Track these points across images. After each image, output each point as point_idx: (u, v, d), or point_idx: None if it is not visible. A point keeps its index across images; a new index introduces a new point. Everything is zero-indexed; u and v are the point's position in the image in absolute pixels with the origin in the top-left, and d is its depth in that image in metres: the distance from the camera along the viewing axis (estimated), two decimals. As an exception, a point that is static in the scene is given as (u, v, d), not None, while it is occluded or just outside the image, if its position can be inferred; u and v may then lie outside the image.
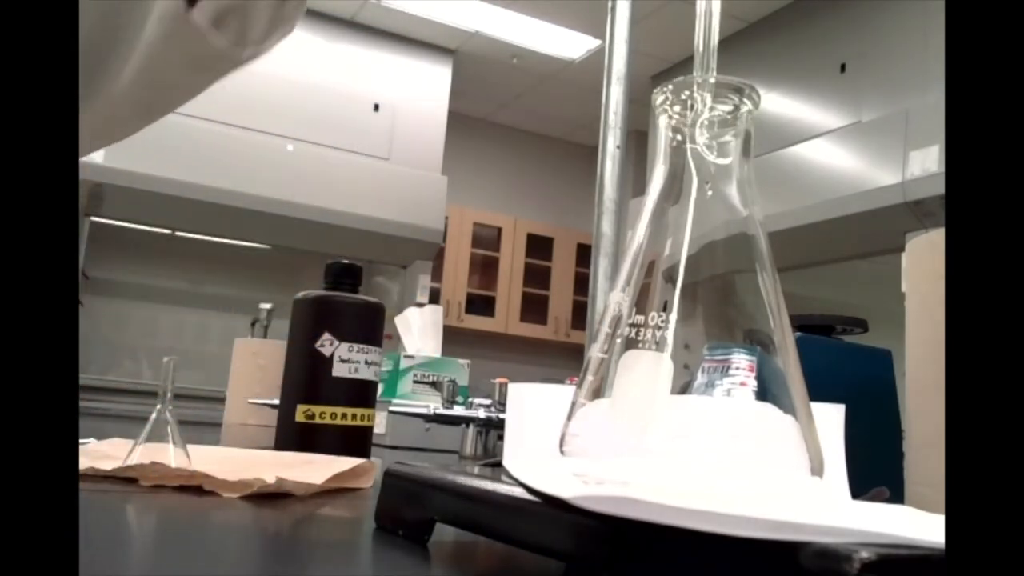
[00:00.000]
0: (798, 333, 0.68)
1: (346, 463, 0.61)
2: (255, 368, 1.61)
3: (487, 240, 4.87)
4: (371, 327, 0.88)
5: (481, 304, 4.77)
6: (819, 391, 0.39)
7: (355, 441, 0.84)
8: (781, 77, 3.30)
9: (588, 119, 4.49)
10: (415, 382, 1.53)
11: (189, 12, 0.52)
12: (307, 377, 0.84)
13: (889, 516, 0.31)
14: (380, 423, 1.25)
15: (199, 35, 0.53)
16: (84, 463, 0.54)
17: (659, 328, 0.36)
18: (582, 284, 4.75)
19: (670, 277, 0.37)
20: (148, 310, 3.92)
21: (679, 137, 0.39)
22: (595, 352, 0.39)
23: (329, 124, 3.73)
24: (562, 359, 4.85)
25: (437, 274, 4.42)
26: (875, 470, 0.49)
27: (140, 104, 0.59)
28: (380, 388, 1.05)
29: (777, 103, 3.27)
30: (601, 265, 1.15)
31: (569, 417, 0.38)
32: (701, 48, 0.40)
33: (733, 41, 3.45)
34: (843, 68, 3.09)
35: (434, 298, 4.13)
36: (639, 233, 0.39)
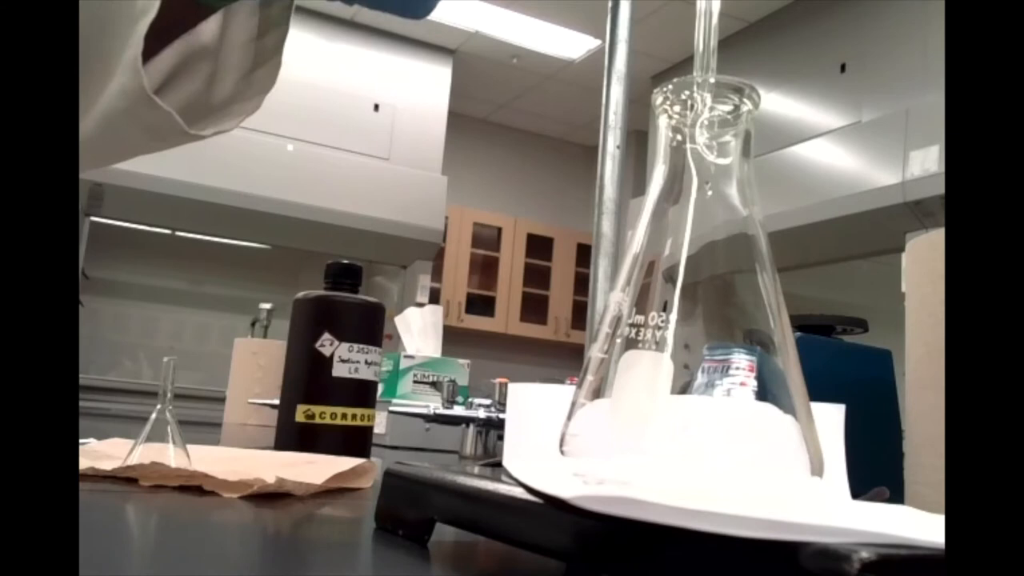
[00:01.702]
0: (798, 333, 0.68)
1: (346, 463, 0.61)
2: (255, 368, 1.61)
3: (487, 240, 4.87)
4: (371, 327, 0.88)
5: (481, 304, 4.77)
6: (819, 391, 0.39)
7: (355, 441, 0.84)
8: (781, 77, 3.30)
9: (588, 119, 4.50)
10: (415, 382, 1.53)
11: (153, 95, 0.53)
12: (307, 377, 0.84)
13: (889, 516, 0.30)
14: (380, 423, 1.25)
15: (160, 112, 0.54)
16: (84, 463, 0.54)
17: (659, 328, 0.36)
18: (582, 284, 4.75)
19: (670, 277, 0.37)
20: (148, 310, 3.92)
21: (679, 137, 0.39)
22: (595, 352, 0.39)
23: (329, 124, 3.73)
24: (562, 359, 4.85)
25: (437, 274, 4.42)
26: (875, 470, 0.49)
27: (94, 156, 0.60)
28: (380, 388, 1.05)
29: (777, 103, 3.27)
30: (601, 265, 1.15)
31: (569, 417, 0.38)
32: (701, 48, 0.40)
33: (733, 41, 3.45)
34: (843, 68, 3.09)
35: (434, 298, 4.13)
36: (639, 233, 0.39)
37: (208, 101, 0.60)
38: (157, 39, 0.55)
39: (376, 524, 0.41)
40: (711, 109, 0.39)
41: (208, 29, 0.59)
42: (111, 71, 0.53)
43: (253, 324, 1.92)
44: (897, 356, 0.72)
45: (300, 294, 0.88)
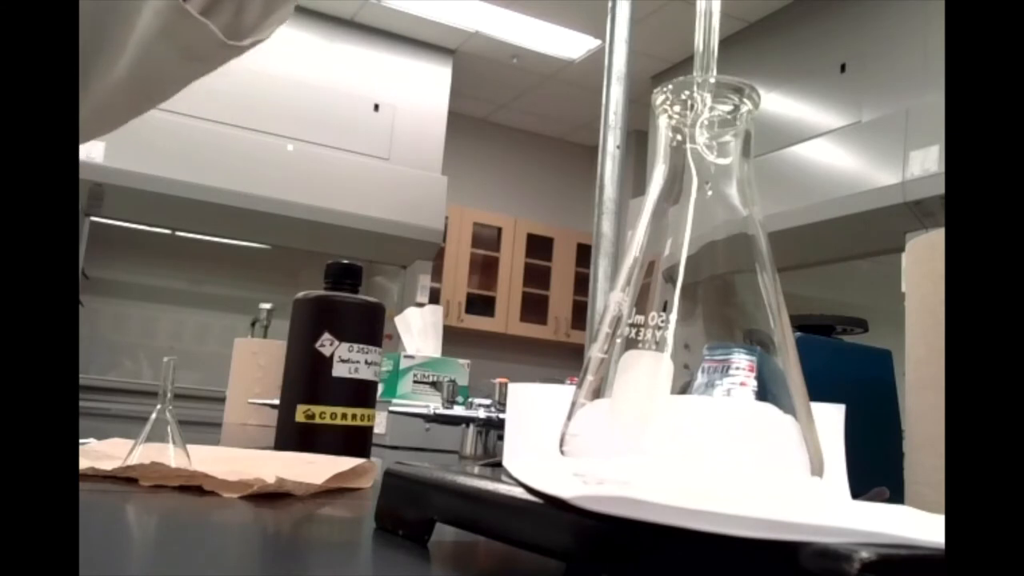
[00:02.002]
0: (798, 333, 0.68)
1: (346, 463, 0.61)
2: (255, 368, 1.61)
3: (487, 240, 4.87)
4: (371, 327, 0.88)
5: (481, 304, 4.77)
6: (819, 391, 0.39)
7: (355, 441, 0.84)
8: (781, 77, 3.30)
9: (588, 119, 4.50)
10: (415, 382, 1.53)
11: (186, 4, 0.52)
12: (307, 377, 0.84)
13: (889, 516, 0.30)
14: (380, 423, 1.25)
15: (197, 26, 0.54)
16: (84, 463, 0.54)
17: (659, 328, 0.36)
18: (582, 284, 4.75)
19: (670, 277, 0.37)
20: (148, 310, 3.92)
21: (679, 137, 0.39)
22: (595, 352, 0.39)
23: (329, 124, 3.73)
24: (562, 359, 4.85)
25: (437, 274, 4.42)
26: (875, 470, 0.49)
27: (134, 95, 0.60)
28: (380, 388, 1.05)
29: (777, 103, 3.27)
30: (601, 265, 1.15)
31: (569, 417, 0.38)
32: (701, 48, 0.40)
33: (733, 41, 3.45)
34: (843, 68, 3.09)
35: (434, 298, 4.13)
36: (639, 233, 0.39)
37: (238, 28, 0.60)
38: None
39: (376, 524, 0.41)
40: (711, 109, 0.39)
41: None
42: (141, 6, 0.53)
43: (253, 324, 1.92)
44: (897, 356, 0.72)
45: (300, 294, 0.88)
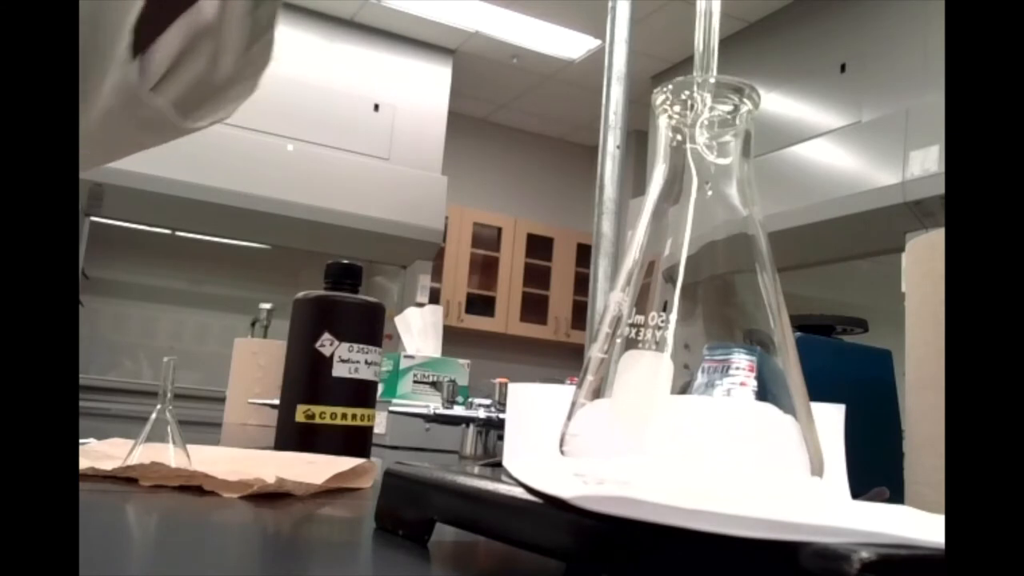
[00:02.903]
0: (798, 333, 0.68)
1: (346, 463, 0.61)
2: (255, 368, 1.61)
3: (487, 240, 4.87)
4: (371, 327, 0.88)
5: (481, 304, 4.77)
6: (819, 391, 0.39)
7: (355, 441, 0.84)
8: (781, 77, 3.30)
9: (588, 119, 4.49)
10: (415, 382, 1.53)
11: (143, 89, 0.53)
12: (307, 377, 0.84)
13: (889, 516, 0.30)
14: (380, 423, 1.25)
15: (155, 108, 0.55)
16: (84, 463, 0.54)
17: (659, 328, 0.36)
18: (582, 284, 4.75)
19: (670, 277, 0.37)
20: (148, 310, 3.92)
21: (679, 137, 0.39)
22: (595, 352, 0.39)
23: (329, 124, 3.73)
24: (562, 359, 4.84)
25: (437, 274, 4.42)
26: (875, 470, 0.49)
27: (97, 149, 0.60)
28: (380, 388, 1.05)
29: (777, 103, 3.27)
30: (601, 265, 1.15)
31: (569, 417, 0.38)
32: (701, 48, 0.40)
33: (733, 41, 3.45)
34: (843, 68, 3.09)
35: (434, 298, 4.13)
36: (639, 233, 0.39)
37: (211, 81, 0.60)
38: (159, 18, 0.55)
39: (376, 524, 0.41)
40: (711, 109, 0.39)
41: (209, 4, 0.59)
42: (108, 67, 0.53)
43: (253, 324, 1.92)
44: (897, 356, 0.72)
45: (300, 294, 0.88)
